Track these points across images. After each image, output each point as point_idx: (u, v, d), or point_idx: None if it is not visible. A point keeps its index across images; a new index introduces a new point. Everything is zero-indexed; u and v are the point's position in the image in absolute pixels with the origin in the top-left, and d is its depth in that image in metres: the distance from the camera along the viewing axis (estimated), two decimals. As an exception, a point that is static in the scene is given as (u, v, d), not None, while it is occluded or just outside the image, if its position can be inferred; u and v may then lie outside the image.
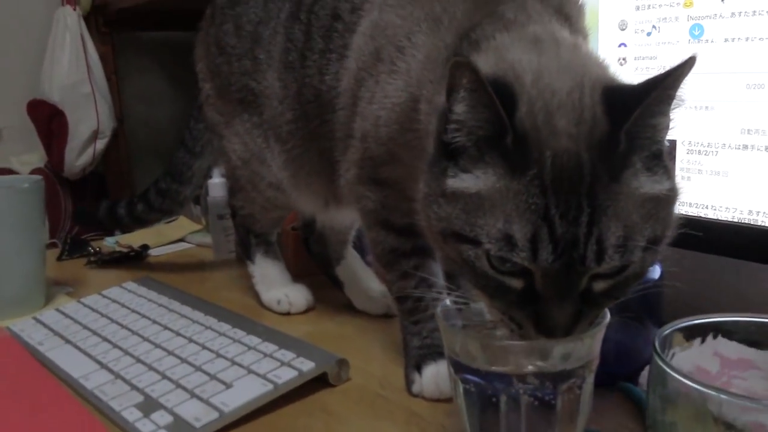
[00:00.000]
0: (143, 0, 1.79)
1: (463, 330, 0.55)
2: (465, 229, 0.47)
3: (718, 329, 0.53)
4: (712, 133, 0.80)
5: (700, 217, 0.81)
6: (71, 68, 1.83)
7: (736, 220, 0.78)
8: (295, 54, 0.77)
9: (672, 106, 0.47)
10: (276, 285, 0.93)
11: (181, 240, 1.32)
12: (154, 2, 1.76)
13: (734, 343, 0.55)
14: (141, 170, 2.07)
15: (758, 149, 0.75)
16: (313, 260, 0.97)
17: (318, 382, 0.70)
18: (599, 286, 0.47)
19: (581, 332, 0.48)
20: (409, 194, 0.60)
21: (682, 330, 0.51)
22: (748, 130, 0.76)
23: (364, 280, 0.91)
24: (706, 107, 0.80)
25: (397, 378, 0.70)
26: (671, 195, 0.48)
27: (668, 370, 0.43)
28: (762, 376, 0.56)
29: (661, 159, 0.48)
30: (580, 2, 0.65)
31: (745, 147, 0.77)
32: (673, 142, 0.83)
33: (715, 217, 0.80)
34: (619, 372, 0.67)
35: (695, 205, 0.82)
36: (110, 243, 1.30)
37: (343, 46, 0.70)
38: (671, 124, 0.48)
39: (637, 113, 0.45)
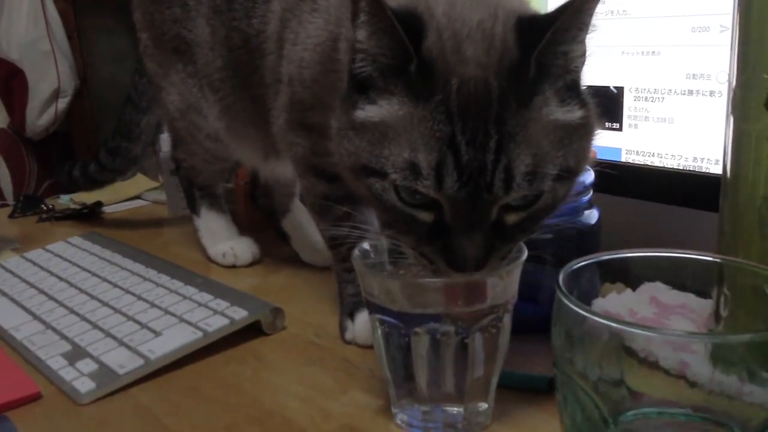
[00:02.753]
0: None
1: (378, 269, 0.54)
2: (372, 161, 0.46)
3: (629, 266, 0.51)
4: (659, 79, 0.78)
5: (647, 165, 0.80)
6: (29, 25, 1.79)
7: (681, 168, 0.77)
8: None
9: (586, 33, 0.45)
10: (221, 238, 0.92)
11: (138, 197, 1.30)
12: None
13: (670, 288, 0.55)
14: (107, 129, 2.04)
15: (703, 94, 0.74)
16: (259, 213, 0.96)
17: (253, 332, 0.69)
18: (511, 218, 0.46)
19: (493, 267, 0.46)
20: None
21: (591, 266, 0.50)
22: (693, 75, 0.75)
23: (310, 232, 0.89)
24: (653, 52, 0.79)
25: (333, 327, 0.69)
26: (584, 124, 0.47)
27: (570, 305, 0.42)
28: (693, 320, 0.55)
29: (576, 89, 0.47)
30: None
31: (691, 92, 0.75)
32: (620, 89, 0.82)
33: (661, 165, 0.79)
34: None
35: (642, 153, 0.81)
36: (65, 200, 1.28)
37: None
38: (588, 53, 0.47)
39: (546, 38, 0.43)
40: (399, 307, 0.49)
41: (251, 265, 0.91)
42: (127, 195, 1.28)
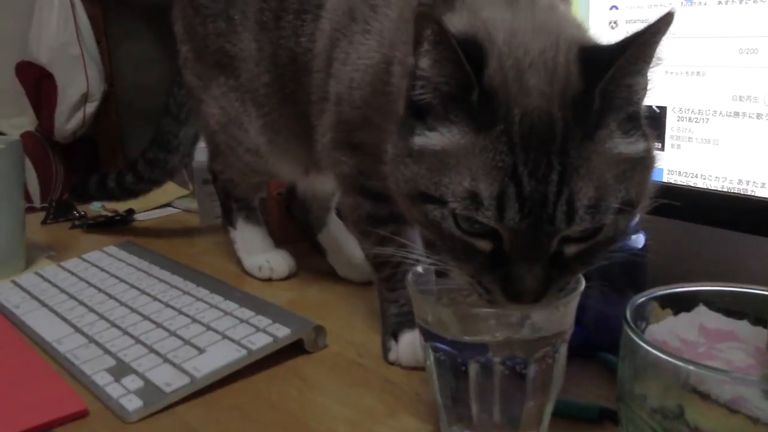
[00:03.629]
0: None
1: (436, 297, 0.54)
2: (430, 189, 0.45)
3: (695, 299, 0.51)
4: (703, 100, 0.78)
5: (690, 186, 0.79)
6: (60, 30, 1.80)
7: (725, 190, 0.76)
8: (269, 14, 0.74)
9: (650, 66, 0.45)
10: (257, 251, 0.92)
11: (168, 205, 1.30)
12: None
13: (717, 315, 0.54)
14: (133, 134, 2.05)
15: (750, 117, 0.73)
16: (295, 225, 0.96)
17: (294, 349, 0.69)
18: (570, 250, 0.46)
19: (551, 298, 0.46)
20: (382, 157, 0.59)
21: (658, 299, 0.50)
22: (740, 96, 0.74)
23: (347, 247, 0.89)
24: (698, 73, 0.78)
25: (375, 346, 0.69)
26: (647, 158, 0.46)
27: (637, 339, 0.42)
28: (743, 349, 0.54)
29: (638, 121, 0.46)
30: None
31: (737, 114, 0.74)
32: (663, 109, 0.81)
33: (704, 186, 0.79)
34: (599, 341, 0.66)
35: (685, 174, 0.80)
36: (96, 207, 1.28)
37: (317, 6, 0.68)
38: (650, 85, 0.46)
39: (611, 72, 0.43)
40: (453, 335, 0.49)
41: (287, 278, 0.91)
42: (158, 203, 1.29)
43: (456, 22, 0.49)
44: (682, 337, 0.54)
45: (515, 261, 0.44)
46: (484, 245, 0.45)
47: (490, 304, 0.47)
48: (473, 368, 0.48)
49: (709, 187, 0.78)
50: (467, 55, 0.43)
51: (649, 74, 0.46)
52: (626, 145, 0.45)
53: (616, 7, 0.82)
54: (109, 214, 1.22)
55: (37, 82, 1.83)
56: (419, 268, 0.54)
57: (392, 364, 0.66)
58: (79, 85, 1.83)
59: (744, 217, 0.74)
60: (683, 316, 0.54)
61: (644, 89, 0.46)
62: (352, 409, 0.59)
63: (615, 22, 0.84)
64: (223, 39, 0.82)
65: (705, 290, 0.49)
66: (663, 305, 0.50)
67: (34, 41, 1.82)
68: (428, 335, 0.50)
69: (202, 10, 0.84)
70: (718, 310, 0.53)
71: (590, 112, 0.43)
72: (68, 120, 1.84)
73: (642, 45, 0.43)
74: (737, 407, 0.42)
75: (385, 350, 0.67)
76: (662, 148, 0.82)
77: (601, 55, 0.44)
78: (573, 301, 0.49)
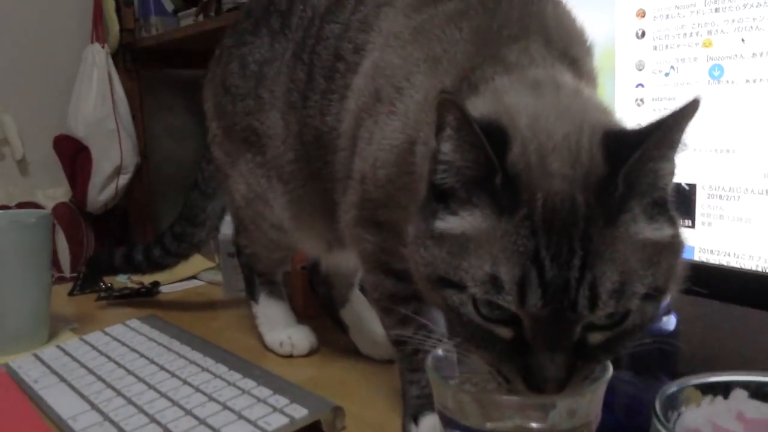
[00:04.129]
0: (169, 38, 1.83)
1: (456, 382, 0.52)
2: (450, 273, 0.44)
3: (732, 388, 0.48)
4: (734, 177, 0.76)
5: (722, 265, 0.77)
6: (97, 104, 1.86)
7: (759, 269, 0.74)
8: (297, 94, 0.76)
9: (676, 151, 0.44)
10: (279, 326, 0.91)
11: (194, 277, 1.31)
12: (179, 41, 1.79)
13: (757, 402, 0.51)
14: (164, 206, 2.09)
15: (782, 195, 0.72)
16: (318, 301, 0.95)
17: (312, 431, 0.67)
18: (595, 338, 0.44)
19: (574, 388, 0.44)
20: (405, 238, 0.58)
21: (693, 387, 0.47)
22: (772, 174, 0.72)
23: (369, 323, 0.88)
24: (728, 150, 0.77)
25: (395, 428, 0.67)
26: (675, 243, 0.45)
27: (666, 432, 0.40)
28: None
29: (664, 206, 0.45)
30: (588, 43, 0.63)
31: (769, 192, 0.73)
32: (692, 186, 0.80)
33: (737, 266, 0.76)
34: (630, 427, 0.63)
35: (716, 252, 0.78)
36: (122, 279, 1.29)
37: (344, 87, 0.69)
38: (676, 170, 0.45)
39: (636, 156, 0.42)
40: (473, 423, 0.47)
41: (308, 354, 0.89)
42: (184, 275, 1.29)
43: (480, 106, 0.49)
44: (720, 426, 0.52)
45: (537, 349, 0.43)
46: (505, 333, 0.44)
47: (510, 393, 0.45)
48: (495, 459, 0.46)
49: (742, 266, 0.76)
50: (490, 140, 0.43)
51: (675, 159, 0.45)
52: (652, 231, 0.43)
53: (642, 85, 0.82)
54: (135, 286, 1.22)
55: (74, 155, 1.88)
56: (439, 351, 0.52)
57: (412, 449, 0.64)
58: (113, 158, 1.87)
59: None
60: (720, 403, 0.51)
61: (670, 174, 0.45)
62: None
63: (641, 100, 0.83)
64: (252, 117, 0.83)
65: (739, 380, 0.47)
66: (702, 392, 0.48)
67: (72, 115, 1.88)
68: (448, 422, 0.48)
69: (233, 89, 0.86)
70: (756, 396, 0.50)
71: (613, 197, 0.43)
72: (101, 191, 1.88)
73: (667, 130, 0.42)
74: None
75: (405, 433, 0.64)
76: (693, 226, 0.80)
77: (626, 140, 0.44)
78: (599, 390, 0.46)
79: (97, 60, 1.89)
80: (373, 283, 0.68)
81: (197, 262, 1.33)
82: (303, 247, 0.88)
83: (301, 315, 0.95)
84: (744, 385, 0.48)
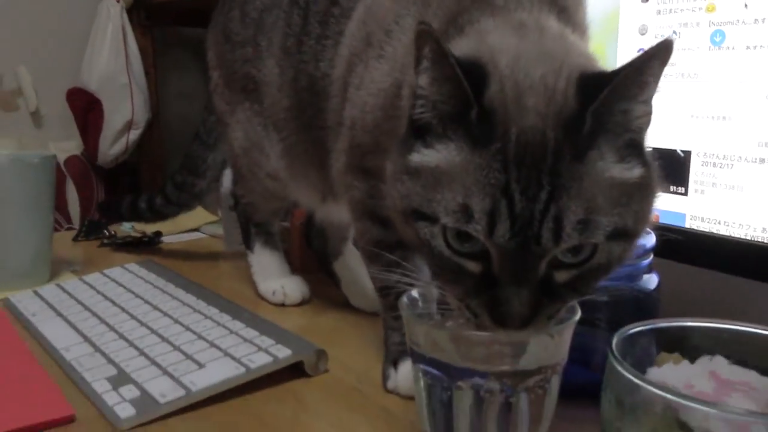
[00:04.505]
0: (184, -5, 1.83)
1: (428, 320, 0.53)
2: (423, 205, 0.45)
3: (689, 336, 0.49)
4: (729, 145, 0.76)
5: (712, 233, 0.77)
6: (110, 59, 1.87)
7: (749, 238, 0.74)
8: (292, 39, 0.76)
9: (650, 94, 0.44)
10: (273, 276, 0.92)
11: (196, 230, 1.33)
12: (194, -2, 1.79)
13: (736, 367, 0.52)
14: (174, 163, 2.10)
15: (776, 163, 0.72)
16: (312, 254, 0.96)
17: (296, 372, 0.68)
18: (561, 276, 0.45)
19: (540, 326, 0.45)
20: None
21: (646, 333, 0.48)
22: (766, 143, 0.72)
23: (361, 277, 0.89)
24: (723, 117, 0.77)
25: (377, 374, 0.68)
26: (644, 185, 0.45)
27: (622, 371, 0.40)
28: (754, 399, 0.52)
29: (638, 149, 0.45)
30: None
31: (762, 161, 0.73)
32: (687, 153, 0.80)
33: (727, 234, 0.76)
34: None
35: (707, 220, 0.78)
36: (126, 228, 1.31)
37: (338, 33, 0.69)
38: (651, 113, 0.46)
39: (604, 94, 0.43)
40: (446, 358, 0.48)
41: (300, 304, 0.91)
42: (186, 227, 1.31)
43: (464, 46, 0.50)
44: (692, 384, 0.52)
45: (503, 284, 0.44)
46: (474, 267, 0.45)
47: (478, 328, 0.46)
48: (461, 394, 0.47)
49: (732, 235, 0.76)
50: (469, 76, 0.44)
51: (651, 103, 0.45)
52: (621, 170, 0.44)
53: (644, 50, 0.82)
54: (138, 235, 1.24)
55: (86, 109, 1.90)
56: (414, 292, 0.54)
57: (390, 392, 0.65)
58: (124, 112, 1.89)
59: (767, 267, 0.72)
60: (694, 364, 0.52)
61: (645, 117, 0.45)
62: (347, 434, 0.58)
63: (642, 65, 0.83)
64: (250, 65, 0.84)
65: (699, 326, 0.47)
66: (659, 345, 0.49)
67: (86, 69, 1.89)
68: (418, 357, 0.49)
69: (233, 37, 0.87)
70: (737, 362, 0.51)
71: (582, 134, 0.43)
72: (112, 145, 1.90)
73: (636, 70, 0.43)
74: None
75: (385, 378, 0.66)
76: (686, 193, 0.80)
77: (599, 80, 0.44)
78: (566, 331, 0.47)
79: (112, 14, 1.90)
80: (360, 230, 0.69)
81: (200, 215, 1.35)
82: (298, 198, 0.89)
83: (298, 270, 0.96)
84: (701, 332, 0.48)
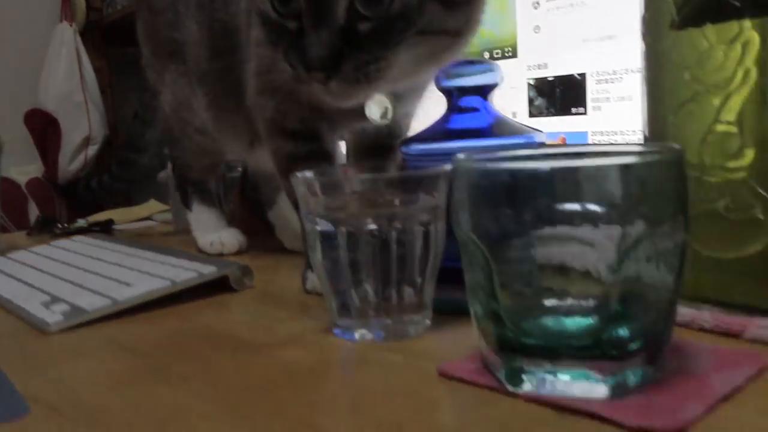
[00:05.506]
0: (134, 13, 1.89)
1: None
2: None
3: None
4: (617, 61, 0.82)
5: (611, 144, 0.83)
6: (65, 79, 1.93)
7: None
8: None
9: None
10: (210, 229, 0.96)
11: (148, 218, 1.36)
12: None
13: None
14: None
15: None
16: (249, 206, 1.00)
17: (224, 289, 0.72)
18: (363, 26, 0.50)
19: (348, 74, 0.51)
20: (299, 97, 0.64)
21: None
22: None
23: (294, 221, 0.93)
24: (610, 36, 0.83)
25: (299, 283, 0.72)
26: None
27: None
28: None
29: None
30: None
31: (645, 68, 0.79)
32: (583, 75, 0.86)
33: (623, 142, 0.82)
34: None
35: (606, 133, 0.84)
36: (80, 223, 1.34)
37: None
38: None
39: None
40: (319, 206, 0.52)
41: (238, 253, 0.94)
42: (139, 216, 1.35)
43: None
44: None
45: (308, 32, 0.50)
46: (292, 25, 0.52)
47: (296, 80, 0.54)
48: (343, 238, 0.51)
49: (628, 142, 0.82)
50: None
51: None
52: None
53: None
54: (89, 225, 1.28)
55: (44, 128, 1.94)
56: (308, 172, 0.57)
57: (309, 293, 0.69)
58: (81, 128, 1.94)
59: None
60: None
61: None
62: (267, 319, 0.62)
63: (537, 3, 0.90)
64: (172, 29, 0.90)
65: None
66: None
67: (42, 90, 1.94)
68: (304, 216, 0.54)
69: (155, 6, 0.93)
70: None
71: None
72: (71, 162, 1.94)
73: None
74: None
75: (303, 281, 0.70)
76: (585, 112, 0.86)
77: None
78: (440, 179, 0.51)
79: (65, 38, 1.96)
80: (274, 149, 0.74)
81: (152, 206, 1.39)
82: (227, 148, 0.93)
83: (239, 222, 1.00)
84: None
